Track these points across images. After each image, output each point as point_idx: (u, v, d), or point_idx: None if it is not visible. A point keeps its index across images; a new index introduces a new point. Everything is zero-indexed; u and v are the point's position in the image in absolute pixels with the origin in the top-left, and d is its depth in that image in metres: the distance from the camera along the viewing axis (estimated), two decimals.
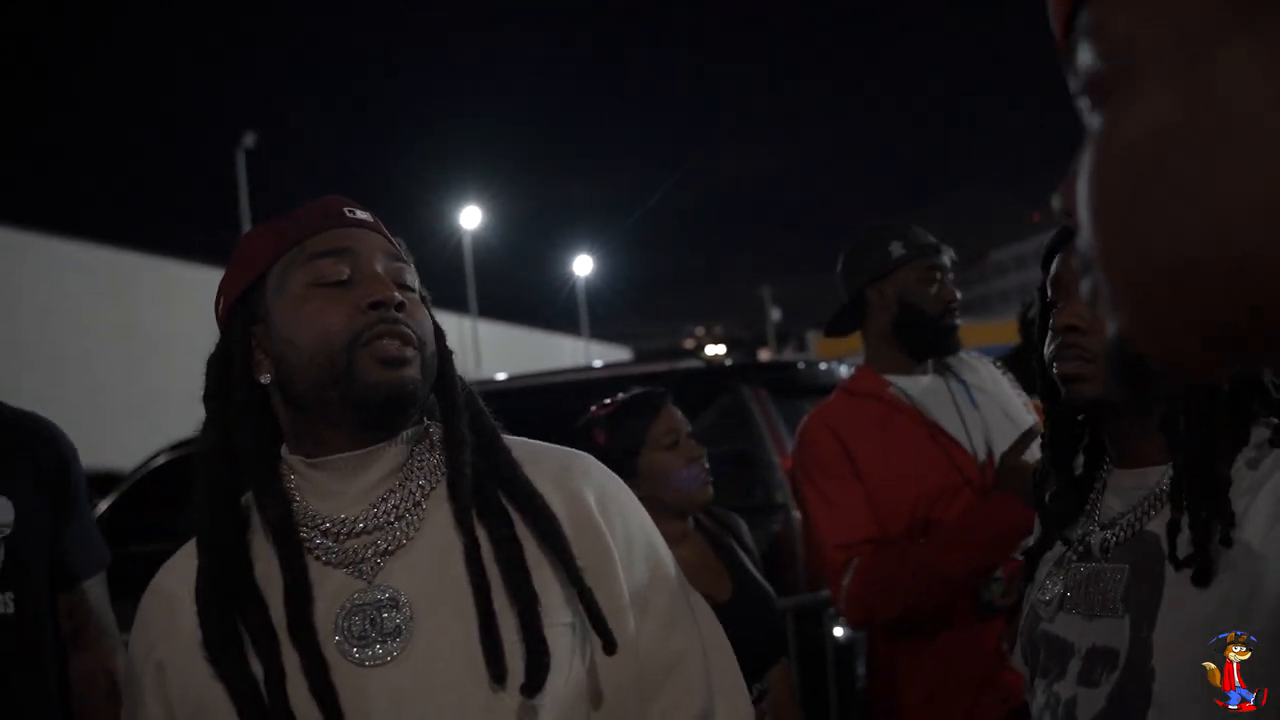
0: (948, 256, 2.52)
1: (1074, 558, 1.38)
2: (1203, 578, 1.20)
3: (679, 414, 2.43)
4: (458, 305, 28.70)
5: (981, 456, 2.41)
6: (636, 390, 2.47)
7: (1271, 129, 0.46)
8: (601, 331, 46.26)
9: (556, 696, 1.17)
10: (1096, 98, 0.52)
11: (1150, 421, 1.33)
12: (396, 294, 1.23)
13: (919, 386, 2.48)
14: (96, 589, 2.03)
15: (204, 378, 1.28)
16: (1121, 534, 1.33)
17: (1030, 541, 1.52)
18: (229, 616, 1.16)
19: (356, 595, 1.18)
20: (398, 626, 1.17)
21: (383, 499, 1.23)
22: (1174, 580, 1.24)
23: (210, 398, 1.26)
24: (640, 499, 2.26)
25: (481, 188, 52.39)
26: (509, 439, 1.32)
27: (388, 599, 1.18)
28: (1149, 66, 0.49)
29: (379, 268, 1.26)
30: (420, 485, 1.25)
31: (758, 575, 2.44)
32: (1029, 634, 1.42)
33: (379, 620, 1.17)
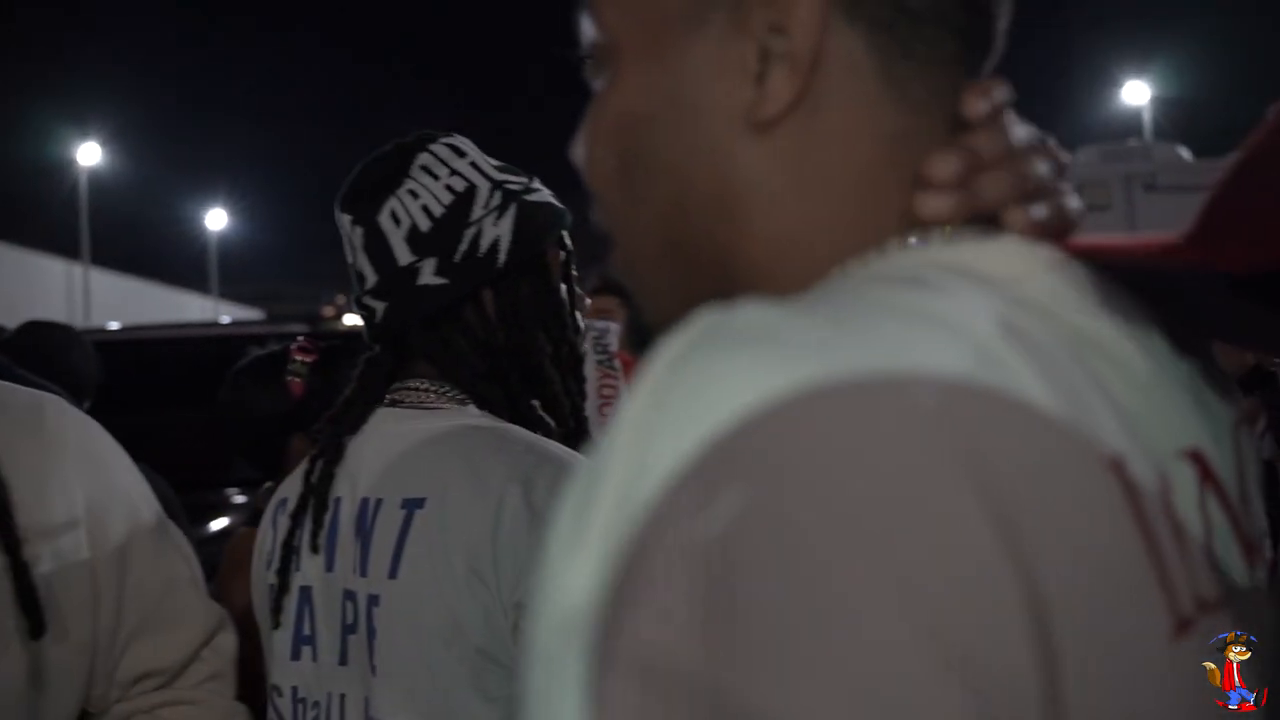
0: None
1: None
2: None
3: None
4: (68, 251, 26.41)
5: None
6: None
7: (712, 125, 0.51)
8: (234, 291, 44.34)
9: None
10: (595, 65, 0.56)
11: None
12: None
13: None
14: None
15: None
16: None
17: None
18: None
19: None
20: None
21: None
22: None
23: None
24: None
25: (105, 121, 36.59)
26: None
27: None
28: (628, 55, 0.53)
29: None
30: None
31: None
32: None
33: None
